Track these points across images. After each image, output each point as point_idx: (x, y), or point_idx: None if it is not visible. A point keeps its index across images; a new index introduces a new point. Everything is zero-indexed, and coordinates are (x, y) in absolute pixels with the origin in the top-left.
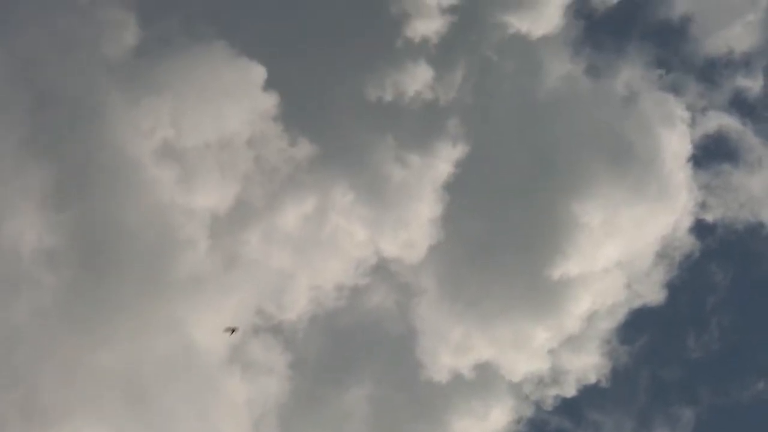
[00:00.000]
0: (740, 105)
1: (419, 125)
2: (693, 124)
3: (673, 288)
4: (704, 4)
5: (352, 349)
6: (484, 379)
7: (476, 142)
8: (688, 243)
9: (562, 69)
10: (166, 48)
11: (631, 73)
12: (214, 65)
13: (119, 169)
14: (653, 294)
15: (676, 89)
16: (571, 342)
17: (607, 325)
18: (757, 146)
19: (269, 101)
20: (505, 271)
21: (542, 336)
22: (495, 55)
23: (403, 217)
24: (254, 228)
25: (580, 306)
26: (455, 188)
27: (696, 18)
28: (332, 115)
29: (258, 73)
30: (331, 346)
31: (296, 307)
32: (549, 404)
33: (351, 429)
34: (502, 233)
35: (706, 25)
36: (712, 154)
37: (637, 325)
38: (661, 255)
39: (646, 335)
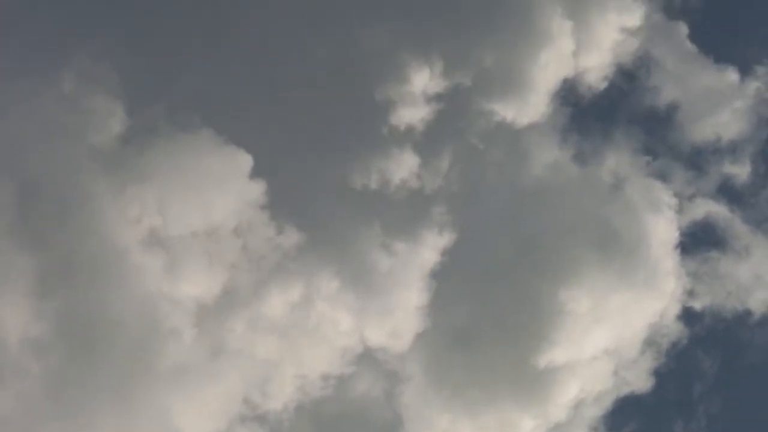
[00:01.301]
0: (728, 192)
1: (405, 213)
2: (680, 210)
3: (660, 375)
4: (691, 91)
5: None
6: None
7: (463, 229)
8: (675, 330)
9: (548, 156)
10: (152, 136)
11: (618, 160)
12: (201, 153)
13: (105, 257)
14: (641, 381)
15: (663, 176)
16: (558, 430)
17: (595, 413)
18: (744, 233)
19: (256, 189)
20: (491, 358)
21: (529, 424)
22: (481, 143)
23: (389, 305)
24: (240, 316)
25: (567, 394)
26: (442, 276)
27: (683, 105)
28: (318, 202)
29: (245, 161)
30: None
31: (282, 396)
32: None
33: None
34: (489, 321)
35: (693, 113)
36: (699, 241)
37: (625, 412)
38: (649, 342)
39: (634, 423)
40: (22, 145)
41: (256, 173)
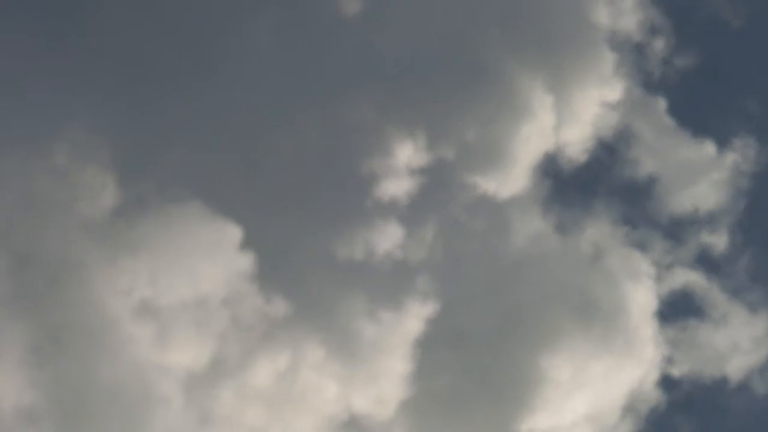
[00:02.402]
0: (706, 261)
1: (390, 283)
2: (659, 279)
3: None
4: (670, 163)
5: None
6: None
7: (446, 299)
8: (654, 397)
9: (529, 227)
10: (143, 208)
11: (598, 231)
12: (191, 225)
13: (97, 327)
14: None
15: (642, 246)
16: None
17: None
18: (722, 302)
19: (245, 261)
20: (475, 425)
21: None
22: (464, 215)
23: (375, 373)
24: (228, 385)
25: None
26: (426, 344)
27: (662, 177)
28: (305, 273)
29: (234, 233)
30: None
31: None
32: None
33: None
34: (472, 388)
35: (671, 184)
36: (678, 309)
37: None
38: (629, 408)
39: None
40: (15, 217)
41: (245, 245)
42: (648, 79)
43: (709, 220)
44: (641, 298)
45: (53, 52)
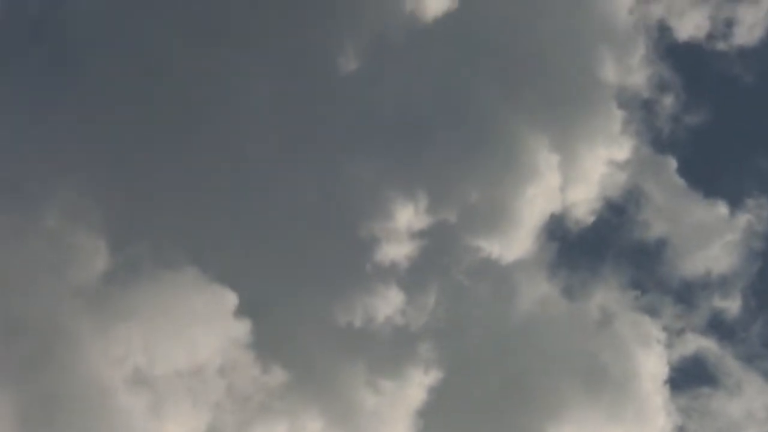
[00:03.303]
0: (718, 327)
1: (391, 350)
2: (670, 345)
3: None
4: (681, 225)
5: None
6: None
7: (449, 366)
8: None
9: (535, 292)
10: (136, 274)
11: (606, 295)
12: (185, 292)
13: (89, 396)
14: None
15: (652, 311)
16: None
17: None
18: (735, 369)
19: (241, 328)
20: None
21: None
22: (467, 279)
23: None
24: None
25: None
26: (429, 414)
27: (672, 239)
28: (304, 341)
29: (230, 299)
30: None
31: None
32: None
33: None
34: None
35: (682, 247)
36: (689, 376)
37: None
38: None
39: None
40: (5, 282)
41: (241, 312)
42: (657, 137)
43: (722, 284)
44: (651, 365)
45: (44, 115)
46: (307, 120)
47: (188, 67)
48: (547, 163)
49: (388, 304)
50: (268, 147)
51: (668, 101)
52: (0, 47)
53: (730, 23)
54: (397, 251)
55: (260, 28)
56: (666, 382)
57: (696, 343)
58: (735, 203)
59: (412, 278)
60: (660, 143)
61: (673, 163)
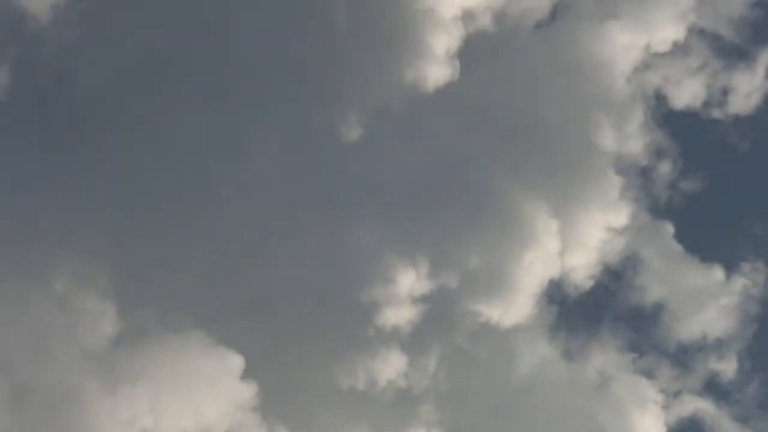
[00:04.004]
0: (714, 389)
1: (393, 413)
2: (667, 407)
3: None
4: (678, 290)
5: None
6: None
7: (451, 429)
8: None
9: (534, 355)
10: (143, 338)
11: (604, 358)
12: (192, 355)
13: None
14: None
15: (649, 373)
16: None
17: None
18: (732, 431)
19: (247, 391)
20: None
21: None
22: (468, 343)
23: None
24: None
25: None
26: None
27: (669, 304)
28: (308, 403)
29: (235, 362)
30: None
31: None
32: None
33: None
34: None
35: (679, 311)
36: None
37: None
38: None
39: None
40: (14, 346)
41: (246, 374)
42: (654, 203)
43: (718, 347)
44: (649, 426)
45: (52, 182)
46: (310, 187)
47: (194, 135)
48: (546, 229)
49: (390, 367)
50: (272, 213)
51: (665, 168)
52: (10, 117)
53: (725, 91)
54: (398, 315)
55: (264, 97)
56: None
57: (693, 404)
58: (731, 268)
59: (413, 342)
60: (657, 209)
61: (670, 228)
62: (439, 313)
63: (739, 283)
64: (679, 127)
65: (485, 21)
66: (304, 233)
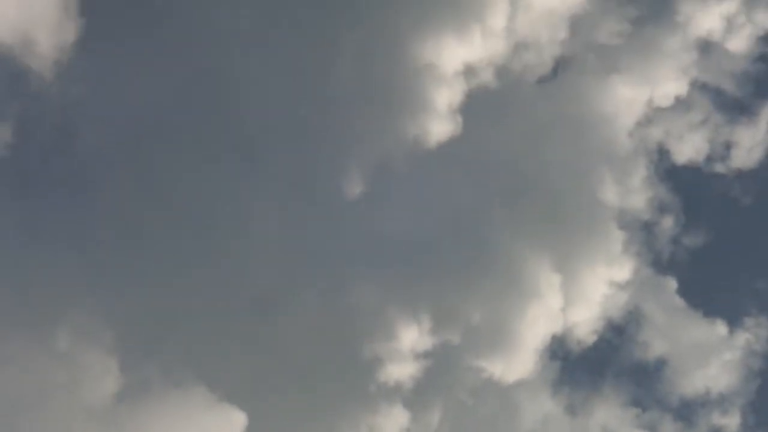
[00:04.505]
0: None
1: None
2: None
3: None
4: (681, 345)
5: None
6: None
7: None
8: None
9: (537, 411)
10: (146, 393)
11: (607, 413)
12: (195, 410)
13: None
14: None
15: (652, 428)
16: None
17: None
18: None
19: None
20: None
21: None
22: (470, 399)
23: None
24: None
25: None
26: None
27: (672, 358)
28: None
29: (239, 419)
30: None
31: None
32: None
33: None
34: None
35: (682, 366)
36: None
37: None
38: None
39: None
40: (17, 402)
41: (249, 431)
42: (657, 258)
43: (721, 402)
44: None
45: (54, 236)
46: (312, 242)
47: (197, 191)
48: (548, 284)
49: (392, 423)
50: (274, 268)
51: (668, 223)
52: (13, 173)
53: (728, 146)
54: (401, 371)
55: (267, 153)
56: None
57: None
58: (734, 323)
59: (416, 398)
60: (660, 264)
61: (673, 283)
62: (442, 369)
63: (742, 337)
64: (682, 182)
65: (487, 76)
66: (306, 289)
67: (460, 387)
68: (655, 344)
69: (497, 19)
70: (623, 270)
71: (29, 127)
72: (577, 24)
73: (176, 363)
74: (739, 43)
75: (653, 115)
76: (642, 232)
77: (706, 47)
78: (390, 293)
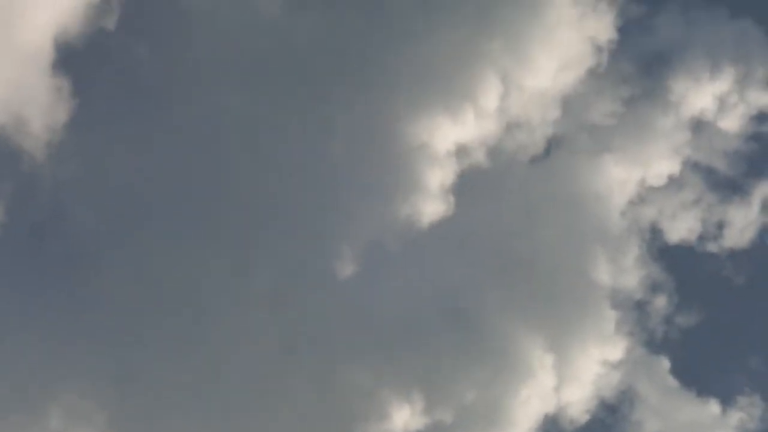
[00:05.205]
0: None
1: None
2: None
3: None
4: (674, 424)
5: None
6: None
7: None
8: None
9: None
10: None
11: None
12: None
13: None
14: None
15: None
16: None
17: None
18: None
19: None
20: None
21: None
22: None
23: None
24: None
25: None
26: None
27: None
28: None
29: None
30: None
31: None
32: None
33: None
34: None
35: None
36: None
37: None
38: None
39: None
40: None
41: None
42: (650, 338)
43: None
44: None
45: (47, 315)
46: (305, 322)
47: (189, 271)
48: (541, 363)
49: None
50: (267, 349)
51: (661, 302)
52: (6, 252)
53: (720, 225)
54: None
55: (259, 232)
56: None
57: None
58: (727, 402)
59: None
60: (653, 343)
61: (666, 363)
62: None
63: (736, 417)
64: (675, 261)
65: (480, 156)
66: (299, 369)
67: None
68: (648, 424)
69: (490, 100)
70: (616, 349)
71: (21, 207)
72: (569, 104)
73: None
74: (732, 123)
75: (646, 194)
76: (635, 312)
77: (699, 127)
78: (382, 373)
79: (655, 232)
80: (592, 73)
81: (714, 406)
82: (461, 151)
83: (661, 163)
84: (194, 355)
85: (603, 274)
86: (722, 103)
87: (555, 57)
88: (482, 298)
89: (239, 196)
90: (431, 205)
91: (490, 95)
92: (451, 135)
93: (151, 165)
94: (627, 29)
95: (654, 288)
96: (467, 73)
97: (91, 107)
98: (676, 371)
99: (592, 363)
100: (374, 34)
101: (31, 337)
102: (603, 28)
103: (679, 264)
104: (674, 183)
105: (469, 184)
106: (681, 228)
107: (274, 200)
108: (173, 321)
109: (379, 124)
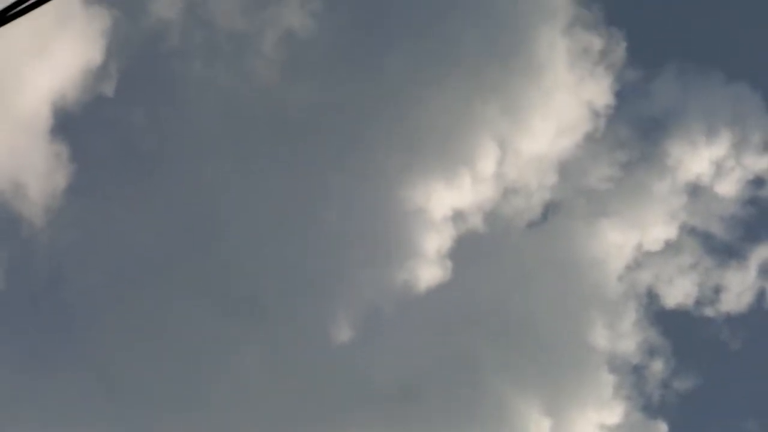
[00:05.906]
0: None
1: None
2: None
3: None
4: None
5: None
6: None
7: None
8: None
9: None
10: None
11: None
12: None
13: None
14: None
15: None
16: None
17: None
18: None
19: None
20: None
21: None
22: None
23: None
24: None
25: None
26: None
27: None
28: None
29: None
30: None
31: None
32: None
33: None
34: None
35: None
36: None
37: None
38: None
39: None
40: None
41: None
42: (648, 402)
43: None
44: None
45: (44, 384)
46: (301, 389)
47: (186, 337)
48: (538, 428)
49: None
50: (263, 415)
51: (658, 366)
52: (2, 319)
53: (718, 290)
54: None
55: (255, 298)
56: None
57: None
58: None
59: None
60: (650, 408)
61: (663, 427)
62: None
63: None
64: (672, 326)
65: (476, 221)
66: None
67: None
68: None
69: (486, 165)
70: (613, 414)
71: (19, 273)
72: (566, 169)
73: None
74: (729, 187)
75: (643, 259)
76: (632, 376)
77: (696, 191)
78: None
79: (652, 296)
80: (589, 138)
81: None
82: (458, 216)
83: (658, 228)
84: (191, 418)
85: (600, 338)
86: (719, 168)
87: (552, 121)
88: (479, 363)
89: (236, 260)
90: (428, 270)
91: (486, 160)
92: (447, 200)
93: (149, 231)
94: (624, 94)
95: (651, 352)
96: (464, 138)
97: (89, 173)
98: None
99: (590, 427)
100: (370, 98)
101: (27, 401)
102: (600, 92)
103: (676, 328)
104: (671, 247)
105: (466, 249)
106: (678, 292)
107: (270, 266)
108: (173, 389)
109: (376, 189)
